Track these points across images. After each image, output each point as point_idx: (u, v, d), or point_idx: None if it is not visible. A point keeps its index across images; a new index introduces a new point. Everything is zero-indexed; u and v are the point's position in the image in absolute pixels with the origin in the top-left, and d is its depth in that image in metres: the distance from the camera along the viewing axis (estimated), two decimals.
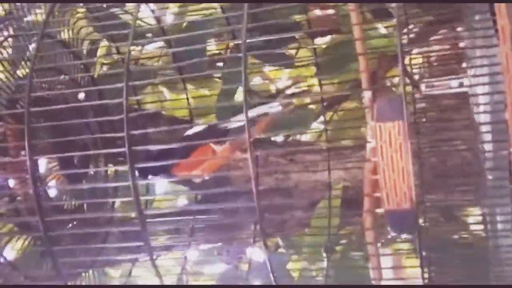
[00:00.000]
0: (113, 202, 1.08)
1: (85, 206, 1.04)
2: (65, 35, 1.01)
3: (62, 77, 1.01)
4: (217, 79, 1.32)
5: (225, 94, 1.17)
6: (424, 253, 0.77)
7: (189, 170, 0.91)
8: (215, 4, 1.11)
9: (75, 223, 0.96)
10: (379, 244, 0.96)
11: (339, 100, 1.38)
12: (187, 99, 1.19)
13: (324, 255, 1.08)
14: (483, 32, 0.84)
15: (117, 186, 1.01)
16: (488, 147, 0.88)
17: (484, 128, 0.88)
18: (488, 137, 0.87)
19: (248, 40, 0.74)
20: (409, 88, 1.10)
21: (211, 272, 1.30)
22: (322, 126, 1.22)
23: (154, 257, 0.78)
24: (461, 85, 1.02)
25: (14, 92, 0.92)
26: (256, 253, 1.09)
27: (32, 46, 0.91)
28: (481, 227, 0.97)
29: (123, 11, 1.10)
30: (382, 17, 1.19)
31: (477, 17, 0.88)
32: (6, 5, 1.04)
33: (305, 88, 1.43)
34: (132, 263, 1.08)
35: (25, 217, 0.90)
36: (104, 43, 1.18)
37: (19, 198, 0.94)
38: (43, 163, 1.00)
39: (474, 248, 1.05)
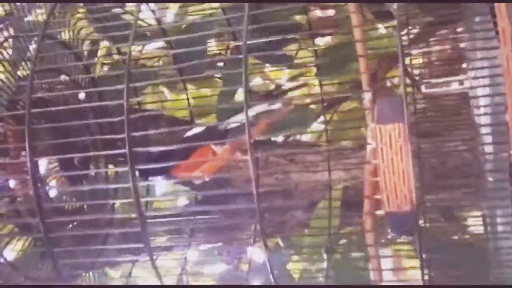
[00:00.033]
0: (113, 203, 1.08)
1: (85, 206, 1.04)
2: (65, 35, 1.00)
3: (62, 77, 1.01)
4: (217, 79, 1.32)
5: (225, 95, 1.17)
6: (424, 256, 0.77)
7: (189, 171, 0.91)
8: (216, 4, 1.11)
9: (75, 223, 0.96)
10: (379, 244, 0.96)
11: (339, 101, 1.38)
12: (188, 99, 1.19)
13: (325, 256, 1.08)
14: (483, 34, 0.84)
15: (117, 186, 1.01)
16: (488, 149, 0.88)
17: (484, 130, 0.88)
18: (488, 139, 0.87)
19: (248, 42, 0.74)
20: (409, 89, 1.10)
21: (211, 272, 1.30)
22: (322, 126, 1.22)
23: (154, 257, 0.78)
24: (461, 84, 1.02)
25: (14, 93, 0.92)
26: (257, 253, 1.09)
27: (32, 47, 0.91)
28: (482, 228, 0.97)
29: (123, 11, 1.10)
30: (382, 17, 1.19)
31: (477, 19, 0.88)
32: (7, 6, 1.03)
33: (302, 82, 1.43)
34: (132, 264, 1.08)
35: (25, 218, 0.90)
36: (105, 43, 1.18)
37: (19, 199, 0.94)
38: (43, 164, 1.00)
39: (474, 248, 1.05)
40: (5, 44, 0.92)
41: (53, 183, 1.03)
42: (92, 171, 1.05)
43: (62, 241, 0.86)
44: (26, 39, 0.94)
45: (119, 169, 1.04)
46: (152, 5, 1.06)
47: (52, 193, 1.01)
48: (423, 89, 1.10)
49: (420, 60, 1.19)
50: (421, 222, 0.96)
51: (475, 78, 0.89)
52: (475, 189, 0.94)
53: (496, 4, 0.70)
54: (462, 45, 1.06)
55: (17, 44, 0.95)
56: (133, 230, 0.78)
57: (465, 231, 1.18)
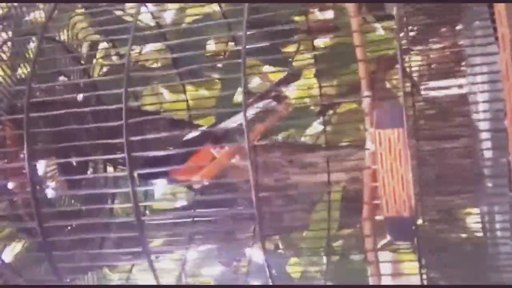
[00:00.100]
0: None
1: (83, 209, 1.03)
2: (64, 36, 1.00)
3: (61, 78, 1.01)
4: (216, 80, 1.32)
5: (224, 98, 1.17)
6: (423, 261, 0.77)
7: (189, 175, 0.91)
8: (215, 5, 1.10)
9: (73, 225, 0.96)
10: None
11: (338, 102, 1.37)
12: (187, 100, 1.19)
13: (324, 257, 1.08)
14: (483, 39, 0.83)
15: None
16: (488, 154, 0.88)
17: (484, 135, 0.88)
18: (488, 144, 0.87)
19: (247, 46, 0.74)
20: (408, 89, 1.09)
21: (210, 273, 1.30)
22: (321, 127, 1.22)
23: (153, 258, 0.78)
24: (460, 87, 1.01)
25: (13, 96, 0.92)
26: (256, 254, 1.09)
27: (31, 49, 0.91)
28: (480, 233, 0.96)
29: (123, 11, 1.10)
30: (382, 18, 1.19)
31: (477, 23, 0.88)
32: (6, 6, 1.03)
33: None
34: (131, 266, 1.08)
35: (24, 222, 0.89)
36: (104, 44, 1.17)
37: (18, 201, 0.93)
38: (42, 165, 0.99)
39: (473, 249, 1.05)
40: (4, 48, 0.92)
41: (52, 185, 1.02)
42: (90, 176, 1.05)
43: (60, 243, 0.86)
44: (24, 41, 0.93)
45: (118, 174, 1.04)
46: (150, 6, 1.06)
47: (51, 195, 1.01)
48: (422, 92, 1.10)
49: (420, 60, 1.19)
50: (419, 221, 0.96)
51: (474, 83, 0.89)
52: (474, 194, 0.94)
53: (496, 9, 0.70)
54: (461, 42, 1.05)
55: (15, 46, 0.94)
56: (132, 234, 0.77)
57: (464, 233, 1.18)
